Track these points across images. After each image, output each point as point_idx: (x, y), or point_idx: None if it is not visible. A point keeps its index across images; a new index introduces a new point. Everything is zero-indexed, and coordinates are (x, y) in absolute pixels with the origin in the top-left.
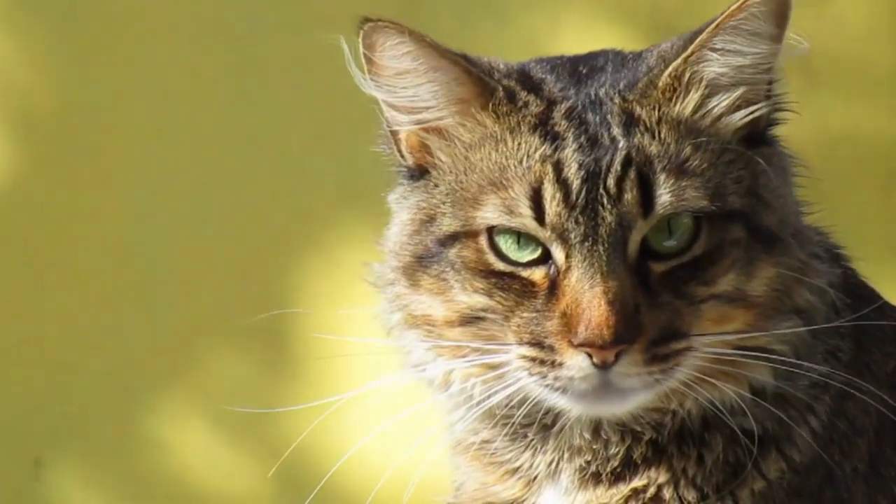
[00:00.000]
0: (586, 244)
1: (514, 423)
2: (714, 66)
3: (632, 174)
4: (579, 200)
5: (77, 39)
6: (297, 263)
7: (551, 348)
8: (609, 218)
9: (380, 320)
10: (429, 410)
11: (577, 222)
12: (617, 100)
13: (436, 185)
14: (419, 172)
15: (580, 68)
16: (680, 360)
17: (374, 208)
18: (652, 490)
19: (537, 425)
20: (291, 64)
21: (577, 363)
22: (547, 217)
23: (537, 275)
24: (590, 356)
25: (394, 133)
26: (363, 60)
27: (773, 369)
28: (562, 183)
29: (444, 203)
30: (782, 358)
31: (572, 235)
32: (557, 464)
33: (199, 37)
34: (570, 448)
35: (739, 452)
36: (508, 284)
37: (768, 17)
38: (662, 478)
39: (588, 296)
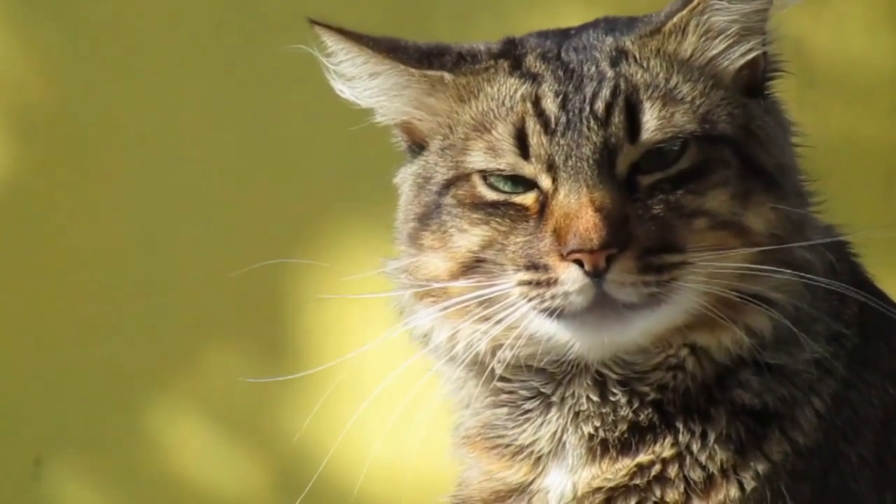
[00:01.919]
0: (570, 162)
1: (516, 398)
2: (718, 15)
3: (620, 101)
4: (559, 126)
5: (78, 40)
6: (297, 264)
7: (545, 267)
8: (595, 138)
9: (393, 304)
10: (425, 407)
11: (559, 146)
12: (609, 41)
13: (430, 153)
14: (419, 147)
15: (570, 31)
16: (676, 275)
17: (373, 211)
18: (657, 467)
19: (538, 397)
20: (291, 63)
21: (570, 275)
22: (531, 149)
23: (529, 199)
24: (581, 265)
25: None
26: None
27: (771, 320)
28: (540, 115)
29: (437, 163)
30: (785, 307)
31: (557, 158)
32: (561, 436)
33: (199, 36)
34: (575, 416)
35: (742, 430)
36: (503, 212)
37: None
38: (667, 452)
39: (575, 207)
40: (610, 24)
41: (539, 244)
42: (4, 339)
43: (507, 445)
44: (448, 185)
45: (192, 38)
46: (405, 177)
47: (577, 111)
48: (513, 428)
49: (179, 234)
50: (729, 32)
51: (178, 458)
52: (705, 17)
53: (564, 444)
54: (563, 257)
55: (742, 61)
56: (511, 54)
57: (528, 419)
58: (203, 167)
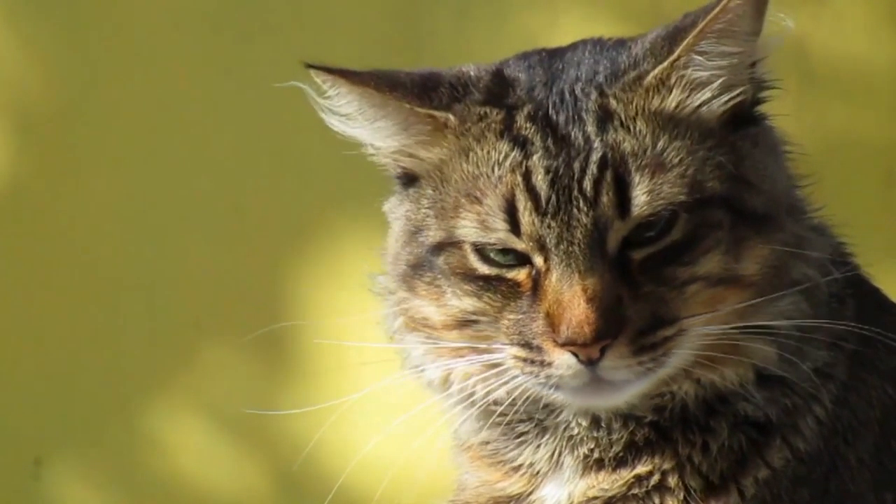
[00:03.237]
0: (562, 247)
1: (510, 420)
2: (699, 71)
3: (608, 176)
4: (550, 206)
5: (78, 40)
6: (297, 264)
7: (539, 348)
8: (585, 220)
9: (382, 326)
10: (431, 411)
11: (549, 227)
12: (594, 95)
13: (421, 196)
14: (409, 180)
15: (556, 64)
16: (671, 346)
17: (373, 210)
18: (656, 477)
19: (532, 421)
20: (291, 63)
21: (564, 362)
22: (522, 227)
23: (522, 275)
24: (575, 354)
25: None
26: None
27: (777, 347)
28: (531, 191)
29: (428, 215)
30: (789, 330)
31: (548, 240)
32: (559, 455)
33: (199, 36)
34: (569, 439)
35: (744, 440)
36: (495, 287)
37: (751, 14)
38: (667, 464)
39: (567, 295)
40: (595, 55)
41: (532, 325)
42: (4, 339)
43: (505, 462)
44: (439, 247)
45: (192, 38)
46: (395, 210)
47: (566, 190)
48: (510, 450)
49: (179, 233)
50: (714, 85)
51: (178, 458)
52: (687, 71)
53: (562, 463)
54: (556, 343)
55: (728, 105)
56: (502, 103)
57: (523, 441)
58: (203, 167)
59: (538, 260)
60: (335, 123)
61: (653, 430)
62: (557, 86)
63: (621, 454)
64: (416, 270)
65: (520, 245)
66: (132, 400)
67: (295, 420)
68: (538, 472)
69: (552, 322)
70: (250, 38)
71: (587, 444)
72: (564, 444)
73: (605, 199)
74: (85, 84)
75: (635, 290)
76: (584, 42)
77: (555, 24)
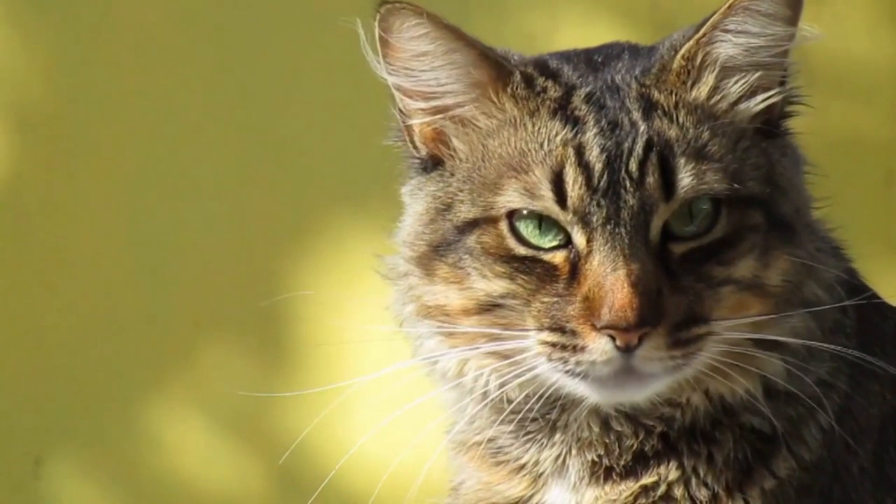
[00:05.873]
0: (608, 227)
1: (522, 418)
2: (727, 48)
3: (653, 158)
4: (601, 184)
5: (78, 40)
6: (297, 263)
7: (573, 332)
8: (631, 201)
9: (391, 311)
10: (431, 406)
11: (598, 205)
12: (634, 85)
13: (452, 174)
14: (432, 164)
15: (595, 58)
16: (701, 346)
17: (373, 210)
18: (662, 488)
19: (543, 420)
20: (293, 59)
21: (600, 346)
22: (569, 200)
23: (559, 258)
24: (613, 339)
25: (407, 125)
26: (378, 45)
27: (785, 362)
28: (584, 166)
29: (461, 191)
30: (796, 347)
31: (594, 219)
32: (564, 459)
33: (199, 34)
34: (578, 441)
35: (749, 450)
36: (530, 268)
37: None
38: (673, 475)
39: (611, 279)
40: (632, 55)
41: (568, 307)
42: (4, 339)
43: (508, 462)
44: (472, 225)
45: (192, 35)
46: (416, 192)
47: (616, 171)
48: (516, 448)
49: (179, 233)
50: (745, 73)
51: (178, 457)
52: (713, 47)
53: (567, 466)
54: (594, 327)
55: (761, 106)
56: (561, 80)
57: (531, 440)
58: (203, 166)
59: (580, 240)
60: (397, 67)
61: (660, 441)
62: (601, 76)
63: (630, 463)
64: (439, 250)
65: (562, 217)
66: (132, 399)
67: (297, 419)
68: (542, 473)
69: (591, 305)
70: (251, 37)
71: (596, 449)
72: (573, 445)
73: (650, 179)
74: (85, 84)
75: (674, 282)
76: (618, 43)
77: (555, 25)
